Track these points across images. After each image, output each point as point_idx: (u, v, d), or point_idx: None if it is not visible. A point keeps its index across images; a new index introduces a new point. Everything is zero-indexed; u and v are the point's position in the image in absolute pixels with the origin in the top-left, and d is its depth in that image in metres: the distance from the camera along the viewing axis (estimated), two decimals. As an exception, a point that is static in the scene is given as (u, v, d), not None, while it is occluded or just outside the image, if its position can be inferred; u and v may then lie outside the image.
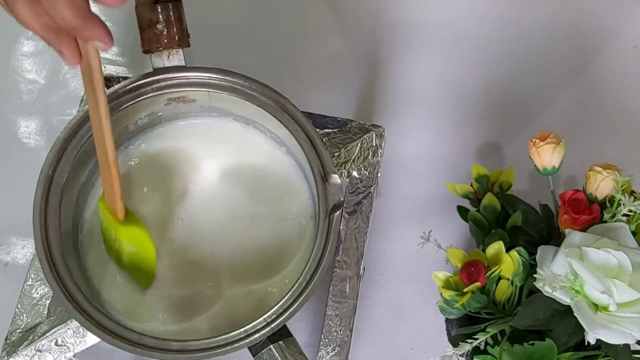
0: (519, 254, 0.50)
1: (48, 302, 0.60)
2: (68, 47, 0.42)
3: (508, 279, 0.51)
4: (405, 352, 0.67)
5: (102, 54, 0.75)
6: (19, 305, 0.60)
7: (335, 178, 0.53)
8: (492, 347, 0.50)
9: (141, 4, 0.53)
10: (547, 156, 0.55)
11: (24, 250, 0.70)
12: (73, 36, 0.42)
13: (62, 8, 0.38)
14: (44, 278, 0.54)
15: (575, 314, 0.46)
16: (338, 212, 0.52)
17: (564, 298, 0.47)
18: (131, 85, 0.55)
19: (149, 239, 0.54)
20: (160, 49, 0.54)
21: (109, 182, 0.51)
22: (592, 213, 0.51)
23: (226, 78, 0.55)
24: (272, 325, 0.50)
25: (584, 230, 0.51)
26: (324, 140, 0.60)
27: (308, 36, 0.77)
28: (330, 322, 0.60)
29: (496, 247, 0.51)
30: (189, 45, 0.55)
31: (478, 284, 0.50)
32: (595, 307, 0.47)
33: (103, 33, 0.40)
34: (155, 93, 0.55)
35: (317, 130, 0.58)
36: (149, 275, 0.56)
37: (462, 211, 0.60)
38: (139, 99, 0.55)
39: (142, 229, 0.54)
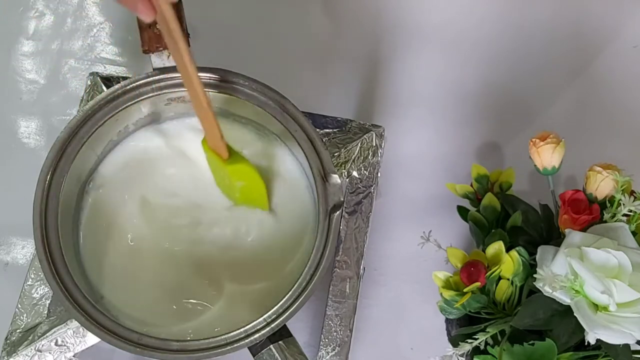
0: (519, 254, 0.50)
1: (48, 302, 0.60)
2: (143, 3, 0.45)
3: (508, 279, 0.51)
4: (405, 352, 0.67)
5: (102, 54, 0.76)
6: (19, 305, 0.60)
7: (335, 178, 0.53)
8: (492, 347, 0.50)
9: (141, 4, 0.53)
10: (547, 156, 0.55)
11: (24, 250, 0.70)
12: None
13: None
14: (44, 278, 0.54)
15: (575, 314, 0.46)
16: (338, 212, 0.52)
17: (564, 298, 0.47)
18: (131, 85, 0.55)
19: (255, 172, 0.56)
20: (160, 49, 0.54)
21: (208, 125, 0.53)
22: (592, 213, 0.51)
23: (226, 78, 0.55)
24: (272, 325, 0.50)
25: (584, 230, 0.51)
26: (324, 140, 0.60)
27: (308, 36, 0.77)
28: (330, 322, 0.60)
29: (496, 247, 0.51)
30: (189, 45, 0.55)
31: (478, 284, 0.50)
32: (595, 307, 0.47)
33: None
34: (155, 93, 0.55)
35: (317, 130, 0.58)
36: (262, 204, 0.58)
37: (462, 211, 0.60)
38: (139, 99, 0.55)
39: (247, 164, 0.55)
